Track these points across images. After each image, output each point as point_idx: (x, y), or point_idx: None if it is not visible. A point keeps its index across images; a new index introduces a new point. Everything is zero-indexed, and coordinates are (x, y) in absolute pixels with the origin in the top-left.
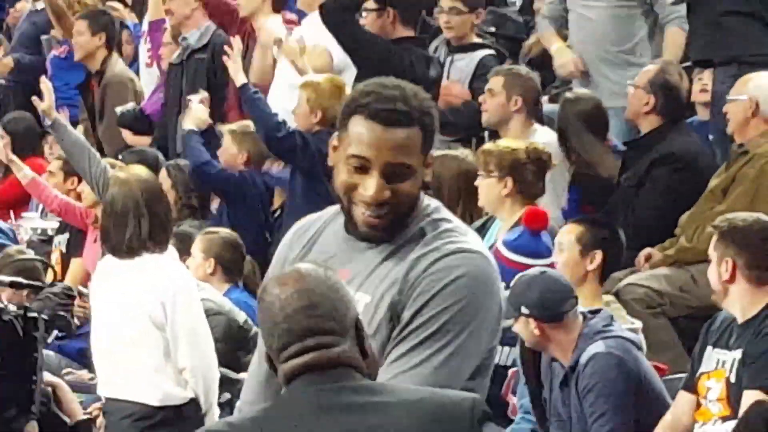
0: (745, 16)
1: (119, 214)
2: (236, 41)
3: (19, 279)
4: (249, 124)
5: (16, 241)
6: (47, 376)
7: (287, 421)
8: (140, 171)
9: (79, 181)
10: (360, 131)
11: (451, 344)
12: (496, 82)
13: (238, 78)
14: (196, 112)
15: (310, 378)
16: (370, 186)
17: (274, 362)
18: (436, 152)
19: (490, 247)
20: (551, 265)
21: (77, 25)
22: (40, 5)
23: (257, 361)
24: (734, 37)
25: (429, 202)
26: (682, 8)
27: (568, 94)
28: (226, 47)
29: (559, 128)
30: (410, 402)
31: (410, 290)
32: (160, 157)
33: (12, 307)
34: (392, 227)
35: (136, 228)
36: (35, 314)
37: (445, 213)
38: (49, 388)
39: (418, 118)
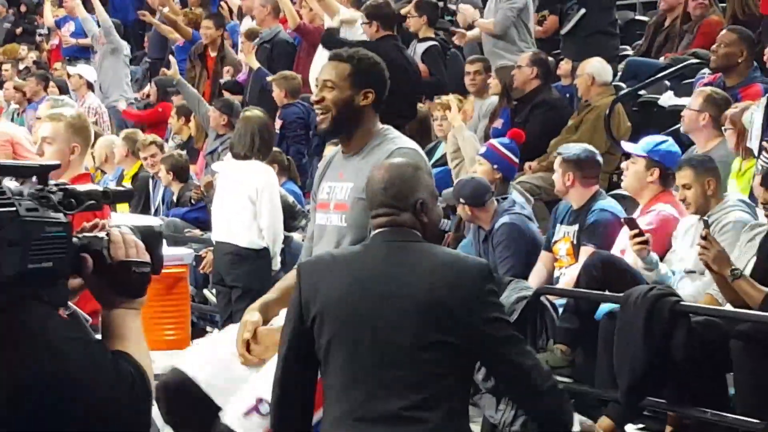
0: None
1: (241, 135)
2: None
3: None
4: (284, 73)
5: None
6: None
7: (369, 252)
8: (258, 112)
9: (187, 121)
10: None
11: None
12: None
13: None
14: None
15: (387, 231)
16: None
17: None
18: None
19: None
20: (515, 164)
21: (204, 23)
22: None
23: (309, 234)
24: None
25: (386, 127)
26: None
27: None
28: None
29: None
30: (442, 254)
31: None
32: (237, 104)
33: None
34: (331, 126)
35: (250, 144)
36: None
37: (393, 131)
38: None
39: (352, 60)
